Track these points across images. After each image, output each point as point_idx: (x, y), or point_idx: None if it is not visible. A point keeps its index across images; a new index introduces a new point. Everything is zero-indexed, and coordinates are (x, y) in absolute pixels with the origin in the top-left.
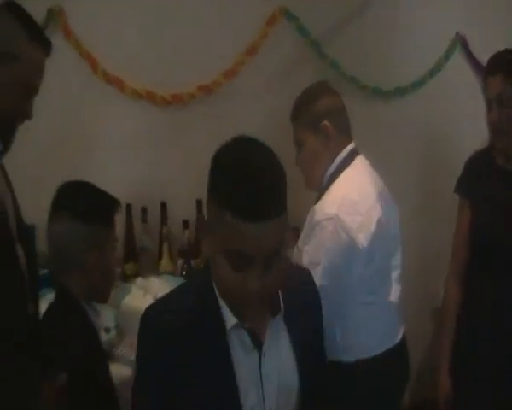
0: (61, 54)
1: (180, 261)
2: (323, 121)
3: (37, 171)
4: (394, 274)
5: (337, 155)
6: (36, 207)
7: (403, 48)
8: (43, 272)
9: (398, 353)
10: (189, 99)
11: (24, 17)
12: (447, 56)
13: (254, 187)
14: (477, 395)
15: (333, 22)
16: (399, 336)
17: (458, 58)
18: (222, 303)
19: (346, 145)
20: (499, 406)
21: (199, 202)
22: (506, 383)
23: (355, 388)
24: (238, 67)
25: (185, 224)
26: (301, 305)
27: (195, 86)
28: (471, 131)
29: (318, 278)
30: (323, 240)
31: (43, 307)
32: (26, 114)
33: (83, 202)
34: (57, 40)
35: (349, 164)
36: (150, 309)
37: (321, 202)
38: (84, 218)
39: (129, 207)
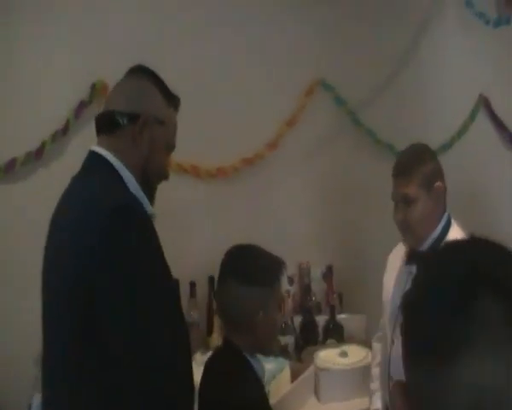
0: None
1: None
2: (437, 182)
3: None
4: None
5: (442, 217)
6: None
7: (431, 113)
8: None
9: None
10: (232, 172)
11: (159, 82)
12: (473, 117)
13: None
14: None
15: (367, 92)
16: None
17: (481, 118)
18: None
19: (446, 207)
20: None
21: None
22: None
23: None
24: (279, 138)
25: None
26: None
27: (239, 159)
28: (497, 189)
29: None
30: None
31: None
32: (166, 175)
33: (246, 266)
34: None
35: (449, 227)
36: None
37: None
38: (246, 282)
39: (177, 282)
